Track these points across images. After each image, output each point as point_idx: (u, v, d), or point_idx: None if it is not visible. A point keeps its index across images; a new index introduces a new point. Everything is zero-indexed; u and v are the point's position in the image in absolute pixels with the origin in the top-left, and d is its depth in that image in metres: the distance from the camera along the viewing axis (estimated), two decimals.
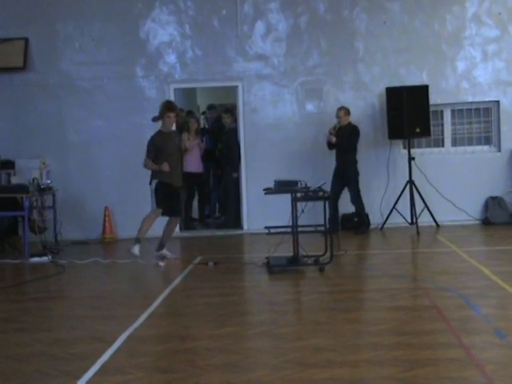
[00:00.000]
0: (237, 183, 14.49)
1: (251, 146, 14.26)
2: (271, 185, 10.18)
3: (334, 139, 13.18)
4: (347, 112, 13.47)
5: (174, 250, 12.12)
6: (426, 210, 13.50)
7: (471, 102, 14.38)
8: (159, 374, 5.49)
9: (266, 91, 14.30)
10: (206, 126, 16.60)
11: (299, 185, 9.92)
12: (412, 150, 13.63)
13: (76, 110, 14.24)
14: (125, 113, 14.21)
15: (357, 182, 13.41)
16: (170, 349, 6.20)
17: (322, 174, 13.06)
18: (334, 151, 13.53)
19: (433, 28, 14.21)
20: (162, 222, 13.91)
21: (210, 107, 16.75)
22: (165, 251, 11.16)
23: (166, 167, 10.69)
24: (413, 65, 14.20)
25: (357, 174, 13.42)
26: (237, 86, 14.36)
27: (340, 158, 13.41)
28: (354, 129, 13.42)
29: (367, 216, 13.94)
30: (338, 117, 13.42)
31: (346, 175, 13.34)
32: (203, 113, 17.06)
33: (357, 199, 13.43)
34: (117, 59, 14.24)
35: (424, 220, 13.50)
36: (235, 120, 14.62)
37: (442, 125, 14.55)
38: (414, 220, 13.28)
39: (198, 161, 14.60)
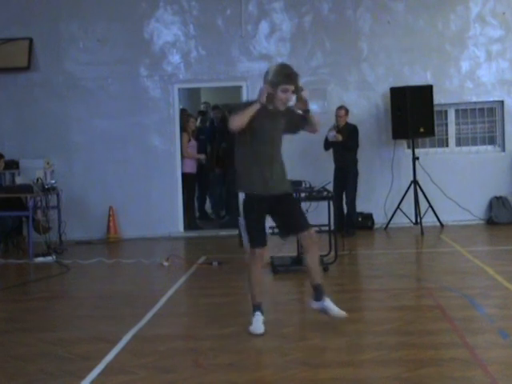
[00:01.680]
0: None
1: None
2: None
3: (340, 137, 13.11)
4: (347, 111, 13.44)
5: (178, 250, 12.14)
6: (430, 209, 13.48)
7: (475, 102, 14.36)
8: (163, 373, 5.50)
9: None
10: (207, 125, 16.63)
11: (303, 185, 9.91)
12: (416, 150, 13.61)
13: (80, 109, 14.24)
14: (129, 113, 14.21)
15: (356, 184, 13.36)
16: (173, 349, 6.21)
17: (326, 174, 13.04)
18: (330, 152, 13.47)
19: (437, 28, 14.20)
20: (162, 216, 13.95)
21: (215, 107, 16.81)
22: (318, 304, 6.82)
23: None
24: (417, 65, 14.19)
25: (358, 174, 13.39)
26: (241, 86, 14.37)
27: (342, 157, 13.30)
28: (355, 127, 13.38)
29: (371, 216, 13.95)
30: (339, 116, 13.36)
31: (350, 175, 13.25)
32: (200, 112, 17.04)
33: (354, 201, 13.37)
34: (121, 59, 14.24)
35: (428, 220, 13.49)
36: None
37: (446, 125, 14.54)
38: (418, 220, 13.25)
39: (193, 161, 14.59)
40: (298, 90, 6.71)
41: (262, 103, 6.52)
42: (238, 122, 6.69)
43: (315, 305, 6.76)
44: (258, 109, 6.57)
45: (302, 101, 6.81)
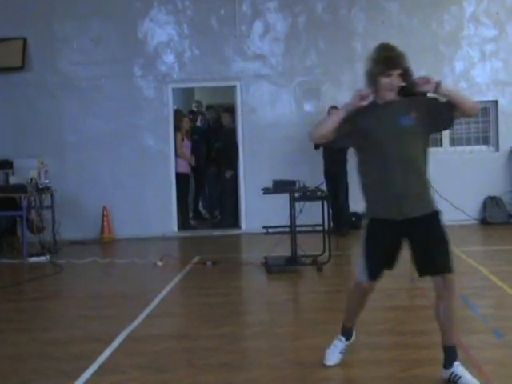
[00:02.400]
0: (234, 182, 14.48)
1: (249, 146, 14.24)
2: (269, 184, 10.18)
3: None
4: None
5: (172, 250, 12.13)
6: None
7: None
8: (157, 373, 5.50)
9: (264, 91, 14.29)
10: (199, 125, 16.61)
11: (297, 185, 9.93)
12: None
13: (74, 109, 14.20)
14: (123, 113, 14.19)
15: (347, 183, 13.40)
16: (167, 349, 6.20)
17: (319, 174, 13.08)
18: (320, 150, 13.48)
19: (431, 28, 14.20)
20: (156, 216, 13.93)
21: (209, 107, 16.84)
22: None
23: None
24: (411, 65, 14.16)
25: (347, 173, 13.42)
26: (235, 86, 14.35)
27: (332, 157, 13.31)
28: None
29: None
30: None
31: (339, 175, 13.28)
32: (190, 112, 17.01)
33: (346, 200, 13.40)
34: (115, 59, 14.20)
35: None
36: (234, 119, 14.62)
37: None
38: None
39: (187, 161, 14.56)
40: (407, 73, 5.29)
41: (348, 111, 5.21)
42: (315, 134, 5.37)
43: (445, 374, 5.13)
44: (366, 106, 5.16)
45: (420, 82, 5.23)
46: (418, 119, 5.11)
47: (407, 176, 5.12)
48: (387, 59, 5.22)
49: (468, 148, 14.50)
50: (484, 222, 13.97)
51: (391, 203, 5.08)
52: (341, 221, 13.30)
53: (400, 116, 5.12)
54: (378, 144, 5.11)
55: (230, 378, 5.32)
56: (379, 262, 5.27)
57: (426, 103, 5.23)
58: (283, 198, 10.40)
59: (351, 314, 5.61)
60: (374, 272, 5.26)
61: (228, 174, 14.45)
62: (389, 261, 5.31)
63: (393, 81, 5.13)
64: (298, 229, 9.95)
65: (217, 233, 14.24)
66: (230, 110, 14.82)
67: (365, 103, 5.13)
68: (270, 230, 10.28)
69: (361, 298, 5.48)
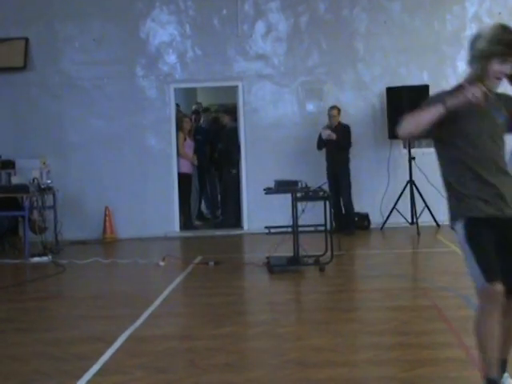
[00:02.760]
0: (236, 182, 14.48)
1: (251, 146, 14.25)
2: (271, 184, 10.18)
3: (334, 136, 13.18)
4: (339, 111, 13.52)
5: (174, 250, 12.14)
6: (426, 209, 13.47)
7: None
8: (159, 374, 5.49)
9: (266, 91, 14.29)
10: (202, 125, 16.62)
11: (299, 185, 9.92)
12: (412, 150, 13.59)
13: (76, 109, 14.21)
14: (125, 113, 14.19)
15: (350, 182, 13.44)
16: (169, 349, 6.20)
17: (322, 174, 13.06)
18: (323, 151, 13.53)
19: (433, 28, 14.19)
20: (158, 216, 13.95)
21: (205, 110, 16.87)
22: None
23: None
24: (413, 65, 14.18)
25: (350, 172, 13.47)
26: (237, 86, 14.35)
27: (334, 157, 13.37)
28: (347, 127, 13.48)
29: (367, 216, 13.95)
30: (332, 116, 13.44)
31: (342, 174, 13.33)
32: (194, 112, 17.03)
33: (350, 199, 13.44)
34: (117, 59, 14.22)
35: (424, 220, 13.47)
36: (234, 119, 14.63)
37: None
38: (415, 220, 13.26)
39: (190, 161, 14.57)
40: None
41: (448, 109, 4.38)
42: (405, 131, 4.62)
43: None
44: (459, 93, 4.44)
45: None
46: (506, 117, 4.56)
47: (501, 174, 4.51)
48: (511, 42, 4.38)
49: None
50: None
51: (489, 200, 4.46)
52: (347, 220, 13.36)
53: (494, 111, 4.53)
54: (472, 139, 4.51)
55: (232, 378, 5.31)
56: (491, 258, 4.41)
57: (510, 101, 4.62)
58: (285, 198, 10.42)
59: (488, 347, 4.39)
60: (490, 271, 4.36)
61: (233, 171, 14.43)
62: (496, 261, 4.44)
63: (507, 69, 4.43)
64: (300, 229, 9.95)
65: (219, 233, 14.24)
66: (229, 111, 14.84)
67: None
68: (272, 230, 10.27)
69: (494, 315, 4.37)
